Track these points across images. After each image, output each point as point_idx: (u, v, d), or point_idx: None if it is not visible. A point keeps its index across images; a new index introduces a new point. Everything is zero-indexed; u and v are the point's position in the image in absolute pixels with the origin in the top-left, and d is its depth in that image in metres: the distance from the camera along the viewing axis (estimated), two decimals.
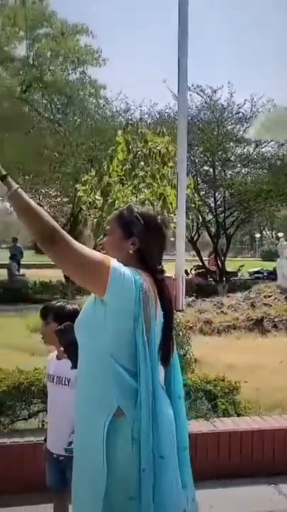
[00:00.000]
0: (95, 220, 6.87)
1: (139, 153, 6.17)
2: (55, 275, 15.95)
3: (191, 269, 19.11)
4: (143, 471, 1.86)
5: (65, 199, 15.40)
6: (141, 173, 6.50)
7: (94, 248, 2.10)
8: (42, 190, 15.02)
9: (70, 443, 2.46)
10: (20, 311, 11.24)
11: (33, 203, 1.85)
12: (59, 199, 15.32)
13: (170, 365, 2.07)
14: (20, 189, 1.87)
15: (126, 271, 1.88)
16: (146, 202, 6.48)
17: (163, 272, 2.06)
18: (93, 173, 7.19)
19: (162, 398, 1.95)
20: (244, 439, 4.10)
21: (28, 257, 28.86)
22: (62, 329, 2.27)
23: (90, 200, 6.74)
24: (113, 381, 1.87)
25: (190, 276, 18.18)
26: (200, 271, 18.39)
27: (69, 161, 13.68)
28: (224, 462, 4.05)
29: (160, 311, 2.01)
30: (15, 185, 1.88)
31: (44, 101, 18.78)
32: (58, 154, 13.98)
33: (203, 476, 3.91)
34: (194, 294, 12.68)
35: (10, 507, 3.51)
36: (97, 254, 1.88)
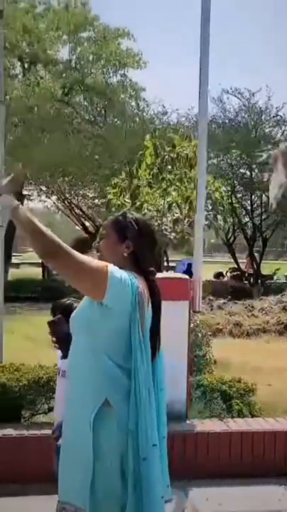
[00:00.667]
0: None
1: (166, 157, 6.30)
2: None
3: (227, 272, 19.06)
4: (145, 459, 2.00)
5: (102, 200, 15.66)
6: (170, 177, 6.63)
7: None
8: (81, 192, 15.32)
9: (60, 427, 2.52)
10: None
11: (35, 219, 1.99)
12: (96, 200, 15.58)
13: (155, 359, 2.21)
14: (21, 205, 2.02)
15: (124, 275, 2.01)
16: (173, 205, 6.62)
17: (154, 273, 2.20)
18: (123, 176, 7.37)
19: (152, 392, 2.10)
20: (256, 439, 4.16)
21: None
22: (54, 321, 2.44)
23: (119, 202, 6.92)
24: (105, 376, 2.01)
25: (226, 278, 18.15)
26: (236, 273, 18.33)
27: (107, 163, 13.91)
28: (236, 461, 4.12)
29: (150, 308, 2.17)
30: (15, 202, 2.03)
31: (85, 103, 19.13)
32: (97, 156, 14.24)
33: (214, 474, 4.02)
34: (228, 296, 12.70)
35: (27, 496, 3.68)
36: (96, 262, 2.01)
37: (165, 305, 4.16)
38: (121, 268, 2.08)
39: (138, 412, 2.02)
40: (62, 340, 2.33)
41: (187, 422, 4.25)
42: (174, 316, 4.24)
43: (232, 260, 19.43)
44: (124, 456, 2.00)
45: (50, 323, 2.46)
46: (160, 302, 2.22)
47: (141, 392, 2.03)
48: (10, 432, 3.89)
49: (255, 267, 17.98)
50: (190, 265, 15.72)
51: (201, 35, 4.69)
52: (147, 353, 2.08)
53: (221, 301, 11.55)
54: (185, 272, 16.02)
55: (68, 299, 3.02)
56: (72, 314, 2.17)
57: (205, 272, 17.80)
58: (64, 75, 19.82)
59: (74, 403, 2.09)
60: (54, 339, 2.49)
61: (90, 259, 2.00)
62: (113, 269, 2.00)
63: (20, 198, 17.71)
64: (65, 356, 2.37)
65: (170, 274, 5.49)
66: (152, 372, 2.15)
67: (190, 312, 4.38)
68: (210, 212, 7.23)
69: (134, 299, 2.01)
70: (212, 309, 10.45)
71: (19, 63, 21.05)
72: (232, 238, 19.12)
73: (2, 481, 3.73)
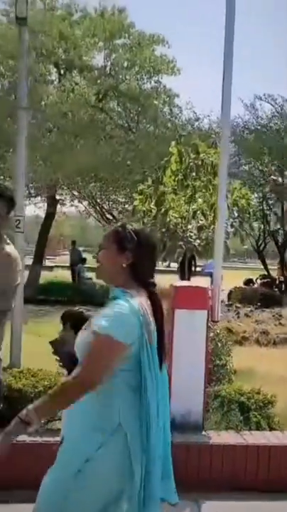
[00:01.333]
0: (149, 228, 7.05)
1: (191, 164, 6.28)
2: None
3: (256, 279, 18.84)
4: (148, 473, 2.06)
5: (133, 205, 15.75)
6: (196, 184, 6.60)
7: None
8: (112, 197, 15.41)
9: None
10: None
11: (41, 402, 2.05)
12: (126, 206, 15.65)
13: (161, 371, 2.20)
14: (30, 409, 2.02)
15: (125, 319, 2.01)
16: (198, 212, 6.58)
17: (154, 285, 2.20)
18: (149, 182, 7.38)
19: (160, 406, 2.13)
20: (273, 453, 4.07)
21: (92, 260, 29.56)
22: (56, 341, 2.42)
23: (144, 209, 6.93)
24: (118, 399, 2.04)
25: (256, 285, 17.92)
26: (266, 280, 18.08)
27: (138, 168, 13.96)
28: (251, 475, 4.04)
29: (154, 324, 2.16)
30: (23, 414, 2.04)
31: (119, 109, 19.26)
32: (128, 162, 14.31)
33: (229, 487, 3.95)
34: (258, 304, 12.54)
35: None
36: (101, 350, 2.01)
37: (182, 314, 4.19)
38: (120, 281, 2.12)
39: (149, 430, 2.06)
40: (65, 359, 2.34)
41: (203, 433, 4.20)
42: (192, 326, 4.21)
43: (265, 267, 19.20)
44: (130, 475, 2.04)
45: (52, 343, 2.45)
46: (163, 315, 2.22)
47: (150, 409, 2.06)
48: (23, 437, 3.90)
49: (286, 274, 17.70)
50: None
51: (225, 43, 4.66)
52: (155, 369, 2.10)
53: (249, 308, 11.40)
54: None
55: (79, 307, 3.01)
56: (78, 341, 2.18)
57: (236, 279, 17.76)
58: (98, 81, 20.01)
59: (83, 427, 2.10)
60: (57, 358, 2.49)
61: (107, 355, 2.01)
62: (115, 331, 1.99)
63: (54, 202, 17.93)
64: (69, 374, 2.38)
65: (189, 282, 5.44)
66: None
67: (208, 321, 4.34)
68: (236, 220, 7.15)
69: (140, 327, 2.04)
70: (238, 317, 10.32)
71: (55, 69, 21.37)
72: (263, 245, 18.88)
73: (15, 487, 3.75)
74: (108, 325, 2.00)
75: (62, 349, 2.40)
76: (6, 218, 2.96)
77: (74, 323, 2.78)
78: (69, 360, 2.36)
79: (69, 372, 2.32)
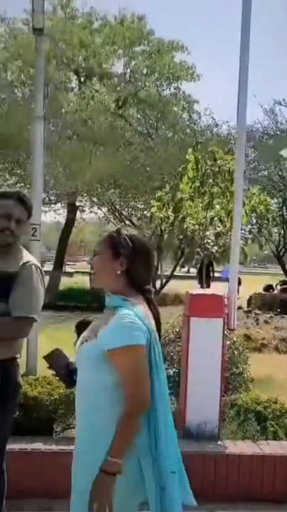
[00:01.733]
0: (166, 235, 7.05)
1: (208, 171, 6.26)
2: None
3: (276, 285, 18.66)
4: (163, 489, 2.02)
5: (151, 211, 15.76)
6: (214, 190, 6.58)
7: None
8: (131, 203, 15.46)
9: None
10: None
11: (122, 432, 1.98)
12: (145, 212, 15.67)
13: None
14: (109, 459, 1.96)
15: (138, 325, 1.98)
16: (215, 218, 6.56)
17: (150, 291, 2.16)
18: (167, 189, 7.38)
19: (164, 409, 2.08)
20: None
21: None
22: (50, 354, 2.41)
23: (162, 215, 6.92)
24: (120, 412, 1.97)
25: (276, 291, 17.75)
26: (285, 286, 17.89)
27: (157, 175, 13.98)
28: (268, 486, 3.99)
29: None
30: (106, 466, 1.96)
31: (138, 116, 19.34)
32: (147, 168, 14.34)
33: (245, 498, 3.91)
34: (278, 310, 12.42)
35: (54, 511, 3.69)
36: (138, 366, 1.98)
37: (198, 322, 4.17)
38: (117, 288, 2.08)
39: (158, 440, 2.02)
40: (62, 372, 2.34)
41: (219, 442, 4.16)
42: (207, 334, 4.18)
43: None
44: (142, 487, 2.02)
45: (46, 357, 2.44)
46: (159, 322, 2.18)
47: (158, 418, 2.03)
48: (39, 446, 3.92)
49: None
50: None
51: (241, 49, 4.65)
52: (162, 375, 2.07)
53: (268, 315, 11.29)
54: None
55: (93, 316, 2.98)
56: (80, 353, 2.13)
57: (256, 284, 17.63)
58: (118, 88, 20.15)
59: (93, 446, 2.04)
60: (53, 372, 2.48)
61: (139, 370, 1.99)
62: (140, 344, 1.98)
63: (73, 209, 18.06)
64: (67, 386, 2.38)
65: (205, 290, 5.41)
66: None
67: (224, 330, 4.30)
68: (254, 226, 7.10)
69: (149, 332, 2.02)
70: (258, 323, 10.23)
71: (75, 77, 21.59)
72: (283, 250, 18.71)
73: (30, 496, 3.76)
74: (127, 337, 1.95)
75: (57, 362, 2.39)
76: (26, 224, 2.96)
77: None
78: (65, 372, 2.36)
79: (69, 384, 2.33)
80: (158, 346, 2.08)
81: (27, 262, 2.80)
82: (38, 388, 4.15)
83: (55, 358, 2.39)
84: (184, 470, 2.18)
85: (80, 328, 2.86)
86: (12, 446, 3.82)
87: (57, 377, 2.44)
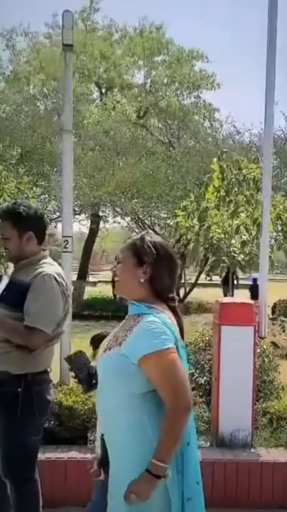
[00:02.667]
0: (192, 244, 7.09)
1: (233, 180, 6.30)
2: None
3: None
4: (189, 500, 2.01)
5: (174, 220, 15.79)
6: (239, 198, 6.62)
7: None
8: (154, 212, 15.55)
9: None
10: None
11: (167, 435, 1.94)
12: (168, 221, 15.73)
13: None
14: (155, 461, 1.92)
15: (165, 330, 1.95)
16: (241, 227, 6.58)
17: (174, 299, 2.12)
18: (192, 198, 7.43)
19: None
20: None
21: None
22: (71, 357, 2.43)
23: (187, 225, 6.97)
24: (151, 420, 1.96)
25: None
26: None
27: (180, 184, 14.05)
28: None
29: None
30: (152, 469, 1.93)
31: (159, 125, 19.47)
32: (170, 177, 14.43)
33: (279, 505, 3.90)
34: None
35: None
36: (175, 365, 1.94)
37: (229, 331, 4.19)
38: (140, 296, 2.05)
39: (185, 450, 2.00)
40: (82, 374, 2.36)
41: (252, 450, 4.16)
42: (238, 342, 4.20)
43: None
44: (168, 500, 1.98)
45: (67, 359, 2.45)
46: (183, 330, 2.13)
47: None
48: (75, 455, 3.97)
49: None
50: (255, 280, 16.11)
51: (267, 62, 4.69)
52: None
53: None
54: (253, 287, 16.59)
55: (107, 331, 2.80)
56: (104, 358, 2.08)
57: (280, 291, 17.50)
58: (139, 98, 20.34)
59: (121, 458, 2.01)
60: (73, 374, 2.48)
61: (181, 377, 1.95)
62: (172, 345, 1.95)
63: (97, 219, 18.22)
64: (85, 390, 2.38)
65: (235, 299, 5.43)
66: None
67: (255, 337, 4.32)
68: (279, 233, 7.11)
69: (176, 340, 1.99)
70: (284, 331, 10.17)
71: (96, 89, 21.85)
72: None
73: (65, 505, 3.80)
74: (158, 343, 1.91)
75: (78, 365, 2.40)
76: (25, 235, 2.90)
77: None
78: (85, 375, 2.36)
79: (88, 386, 2.32)
80: (184, 355, 2.05)
81: (40, 273, 2.80)
82: (72, 398, 4.20)
83: (76, 360, 2.40)
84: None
85: (95, 341, 2.79)
86: (48, 455, 3.90)
87: (76, 380, 2.42)
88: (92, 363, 2.38)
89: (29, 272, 2.83)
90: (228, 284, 8.53)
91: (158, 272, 2.05)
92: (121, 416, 1.98)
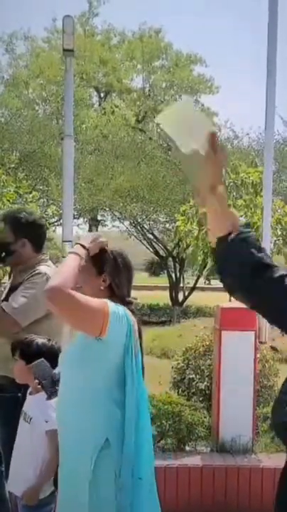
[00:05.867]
0: (191, 248, 7.09)
1: (231, 184, 6.30)
2: (163, 298, 16.34)
3: None
4: (120, 490, 1.99)
5: (173, 225, 15.81)
6: (238, 203, 6.61)
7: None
8: (152, 217, 15.56)
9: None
10: None
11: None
12: (167, 225, 15.74)
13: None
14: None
15: (121, 311, 2.06)
16: None
17: (131, 303, 2.21)
18: (191, 202, 7.43)
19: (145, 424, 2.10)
20: None
21: (143, 279, 29.70)
22: (35, 365, 2.46)
23: (186, 229, 6.97)
24: (103, 413, 2.03)
25: None
26: None
27: (179, 187, 14.05)
28: None
29: None
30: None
31: (158, 129, 19.48)
32: (168, 181, 14.44)
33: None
34: None
35: None
36: (97, 302, 2.04)
37: (230, 335, 4.18)
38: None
39: (135, 446, 2.02)
40: (47, 381, 2.39)
41: (253, 456, 4.15)
42: (239, 348, 4.19)
43: None
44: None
45: (31, 368, 2.46)
46: (141, 334, 2.21)
47: (131, 424, 2.03)
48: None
49: None
50: None
51: (267, 65, 4.70)
52: (139, 384, 2.09)
53: None
54: None
55: (30, 336, 2.69)
56: (65, 353, 2.19)
57: None
58: (138, 102, 20.40)
59: (71, 449, 2.06)
60: (36, 381, 2.48)
61: (91, 300, 2.04)
62: (113, 308, 2.04)
63: (95, 223, 18.22)
64: (49, 397, 2.40)
65: (236, 303, 5.43)
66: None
67: (255, 342, 4.31)
68: (279, 238, 7.10)
69: (129, 331, 2.07)
70: (283, 335, 10.14)
71: (95, 93, 21.91)
72: None
73: None
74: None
75: (41, 372, 2.45)
76: (20, 240, 2.97)
77: (23, 353, 2.62)
78: (50, 381, 2.41)
79: (51, 393, 2.40)
80: (138, 355, 2.11)
81: (35, 271, 2.90)
82: None
83: (37, 368, 2.44)
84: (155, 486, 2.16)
85: (13, 348, 2.68)
86: None
87: (39, 386, 2.47)
88: (55, 371, 2.42)
89: (26, 274, 2.93)
90: None
91: (117, 279, 2.18)
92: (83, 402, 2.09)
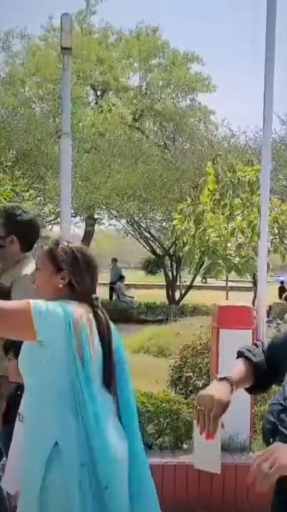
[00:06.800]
0: (188, 247, 7.09)
1: (228, 183, 6.31)
2: (160, 296, 16.35)
3: None
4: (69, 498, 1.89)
5: (170, 223, 15.81)
6: (235, 202, 6.62)
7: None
8: (149, 215, 15.56)
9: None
10: (122, 331, 11.59)
11: None
12: (164, 223, 15.74)
13: (119, 389, 2.11)
14: None
15: (50, 306, 1.94)
16: (236, 230, 6.59)
17: (97, 299, 2.13)
18: (188, 201, 7.43)
19: (98, 430, 1.95)
20: None
21: (140, 277, 29.70)
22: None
23: (183, 228, 6.97)
24: (53, 415, 1.94)
25: None
26: None
27: (176, 186, 14.06)
28: None
29: (97, 339, 2.06)
30: None
31: (155, 128, 19.50)
32: (165, 180, 14.44)
33: None
34: None
35: None
36: (17, 304, 1.96)
37: (227, 334, 4.18)
38: (57, 300, 2.02)
39: (88, 445, 1.93)
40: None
41: (251, 454, 4.16)
42: (236, 346, 4.18)
43: None
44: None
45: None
46: (107, 330, 2.10)
47: (88, 424, 1.93)
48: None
49: None
50: (283, 281, 17.44)
51: (265, 61, 4.70)
52: (89, 384, 1.96)
53: None
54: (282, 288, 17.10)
55: None
56: (19, 360, 2.12)
57: (273, 294, 17.61)
58: (134, 101, 20.39)
59: (27, 451, 2.02)
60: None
61: (8, 302, 1.98)
62: (35, 304, 1.94)
63: (92, 222, 18.18)
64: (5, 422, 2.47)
65: (234, 302, 5.43)
66: (120, 409, 2.08)
67: (253, 341, 4.32)
68: (276, 236, 7.11)
69: (68, 328, 1.93)
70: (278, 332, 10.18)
71: (92, 91, 21.88)
72: None
73: None
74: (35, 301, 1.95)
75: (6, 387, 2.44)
76: (8, 238, 2.93)
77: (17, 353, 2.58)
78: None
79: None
80: (87, 353, 1.97)
81: (18, 276, 2.81)
82: None
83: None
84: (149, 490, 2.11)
85: (6, 347, 2.65)
86: None
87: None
88: None
89: (9, 274, 2.88)
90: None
91: (78, 275, 2.09)
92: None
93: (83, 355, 1.95)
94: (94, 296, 2.12)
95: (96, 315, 2.08)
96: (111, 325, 2.15)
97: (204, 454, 1.82)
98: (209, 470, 1.85)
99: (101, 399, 1.99)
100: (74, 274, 2.08)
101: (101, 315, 2.10)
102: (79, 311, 2.00)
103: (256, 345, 2.03)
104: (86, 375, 1.95)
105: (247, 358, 1.93)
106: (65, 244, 2.13)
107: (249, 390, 2.01)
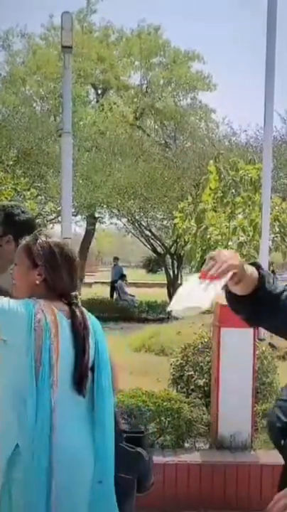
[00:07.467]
0: (189, 245, 7.10)
1: (230, 181, 6.30)
2: (161, 295, 16.34)
3: None
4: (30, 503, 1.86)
5: (171, 222, 15.80)
6: (236, 200, 6.62)
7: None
8: (150, 213, 15.56)
9: None
10: (123, 330, 11.62)
11: None
12: (165, 222, 15.74)
13: (94, 393, 2.01)
14: None
15: (14, 306, 1.89)
16: (238, 228, 6.59)
17: (76, 297, 2.04)
18: (190, 199, 7.43)
19: (62, 430, 1.89)
20: None
21: (141, 276, 29.72)
22: None
23: (184, 226, 6.97)
24: (14, 418, 1.89)
25: None
26: None
27: (177, 184, 14.06)
28: None
29: (69, 337, 1.96)
30: None
31: (156, 126, 19.49)
32: (166, 178, 14.44)
33: None
34: None
35: None
36: None
37: (229, 332, 4.18)
38: (34, 296, 1.96)
39: (49, 448, 1.87)
40: None
41: (252, 452, 4.16)
42: (238, 344, 4.20)
43: None
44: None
45: None
46: (81, 329, 1.99)
47: (47, 427, 1.87)
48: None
49: None
50: None
51: (266, 61, 4.70)
52: (46, 388, 1.88)
53: None
54: None
55: None
56: None
57: None
58: (135, 99, 20.37)
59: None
60: None
61: None
62: None
63: (93, 220, 18.19)
64: None
65: None
66: (94, 407, 2.00)
67: (254, 339, 4.32)
68: (277, 235, 7.11)
69: (29, 330, 1.87)
70: None
71: (93, 90, 21.86)
72: None
73: None
74: None
75: None
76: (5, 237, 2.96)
77: None
78: None
79: None
80: (44, 358, 1.89)
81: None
82: None
83: None
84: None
85: None
86: None
87: None
88: None
89: (5, 276, 2.87)
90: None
91: (56, 272, 2.00)
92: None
93: (41, 359, 1.87)
94: (73, 293, 2.03)
95: (73, 314, 1.99)
96: (96, 326, 2.06)
97: (194, 294, 1.57)
98: (194, 305, 1.56)
99: (66, 403, 1.91)
100: (51, 270, 2.00)
101: (79, 314, 2.00)
102: (47, 311, 1.91)
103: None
104: (42, 379, 1.87)
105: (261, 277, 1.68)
106: (43, 239, 2.05)
107: (243, 311, 1.81)
